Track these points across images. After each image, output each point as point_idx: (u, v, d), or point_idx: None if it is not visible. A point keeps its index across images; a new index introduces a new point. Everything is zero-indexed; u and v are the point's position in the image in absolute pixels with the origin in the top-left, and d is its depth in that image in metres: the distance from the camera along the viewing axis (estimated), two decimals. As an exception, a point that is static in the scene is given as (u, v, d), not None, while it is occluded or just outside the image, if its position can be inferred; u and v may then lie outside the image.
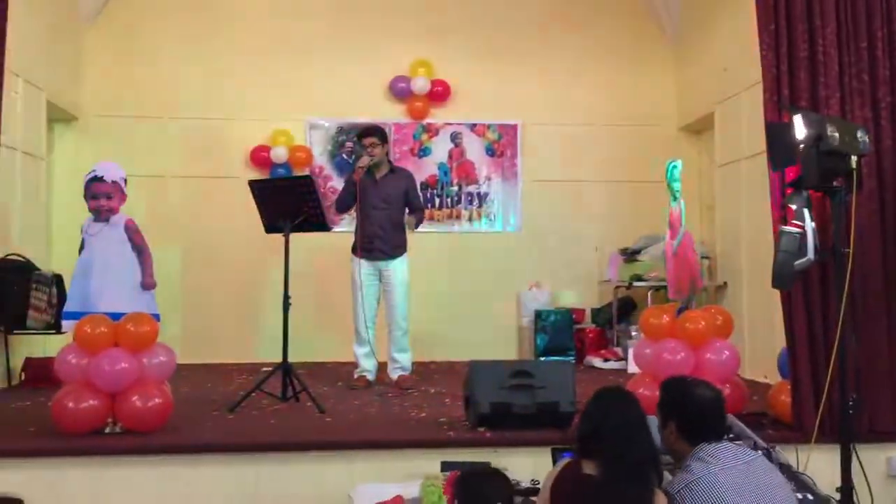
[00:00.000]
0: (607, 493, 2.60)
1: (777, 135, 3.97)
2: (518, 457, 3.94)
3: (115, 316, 4.41)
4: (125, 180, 4.98)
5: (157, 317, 4.60)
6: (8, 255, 5.87)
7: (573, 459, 2.78)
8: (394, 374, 6.04)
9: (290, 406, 5.11)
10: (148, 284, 4.90)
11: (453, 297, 7.91)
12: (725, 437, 3.01)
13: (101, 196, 4.80)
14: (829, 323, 4.12)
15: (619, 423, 2.71)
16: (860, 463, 3.81)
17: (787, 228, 3.84)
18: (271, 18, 7.91)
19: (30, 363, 6.11)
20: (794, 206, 3.87)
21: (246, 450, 4.07)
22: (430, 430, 4.42)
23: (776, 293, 4.28)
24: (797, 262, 3.79)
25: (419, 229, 6.25)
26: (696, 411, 2.95)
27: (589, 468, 2.68)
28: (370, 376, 6.04)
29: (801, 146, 3.73)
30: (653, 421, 3.04)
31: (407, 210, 6.06)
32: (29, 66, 6.31)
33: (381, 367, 6.14)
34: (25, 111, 6.35)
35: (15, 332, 5.97)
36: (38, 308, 5.91)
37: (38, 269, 6.10)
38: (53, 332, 5.99)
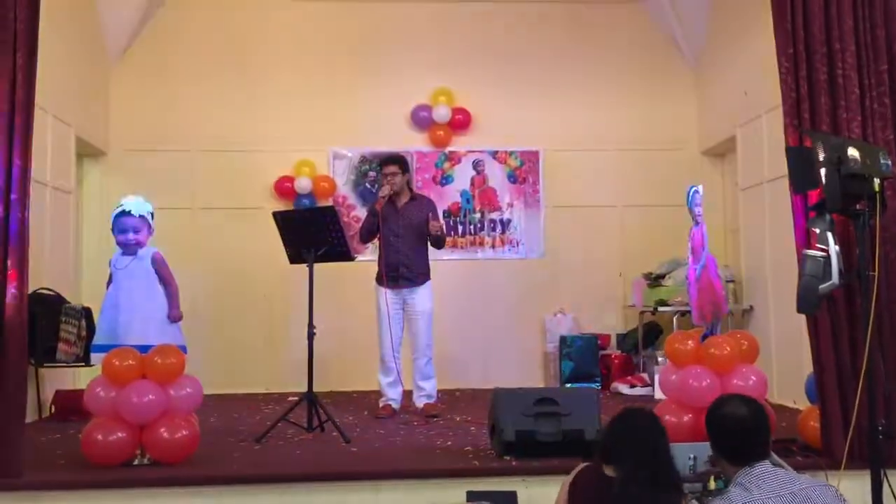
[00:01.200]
0: (630, 495, 2.59)
1: (798, 159, 3.95)
2: (544, 486, 3.92)
3: (143, 348, 4.47)
4: (152, 214, 5.07)
5: (183, 348, 4.66)
6: (38, 290, 5.96)
7: (592, 462, 2.78)
8: (419, 402, 6.04)
9: (315, 436, 5.13)
10: (174, 316, 4.98)
11: (477, 324, 7.91)
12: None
13: (128, 230, 4.89)
14: (856, 347, 4.07)
15: (644, 436, 2.73)
16: (892, 489, 3.75)
17: (811, 252, 3.82)
18: (293, 51, 8.02)
19: (60, 396, 6.17)
20: (817, 230, 3.85)
21: (272, 480, 4.09)
22: (456, 459, 4.42)
23: (803, 317, 4.25)
24: (822, 286, 3.77)
25: (442, 255, 6.30)
26: (725, 430, 2.82)
27: (609, 471, 2.69)
28: (395, 405, 6.05)
29: (823, 170, 3.71)
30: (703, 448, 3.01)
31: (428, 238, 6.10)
32: (58, 102, 6.44)
33: (407, 395, 6.15)
34: (55, 147, 6.48)
35: (45, 364, 6.03)
36: (68, 341, 5.99)
37: (68, 303, 6.19)
38: (83, 364, 6.07)
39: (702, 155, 8.18)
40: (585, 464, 2.83)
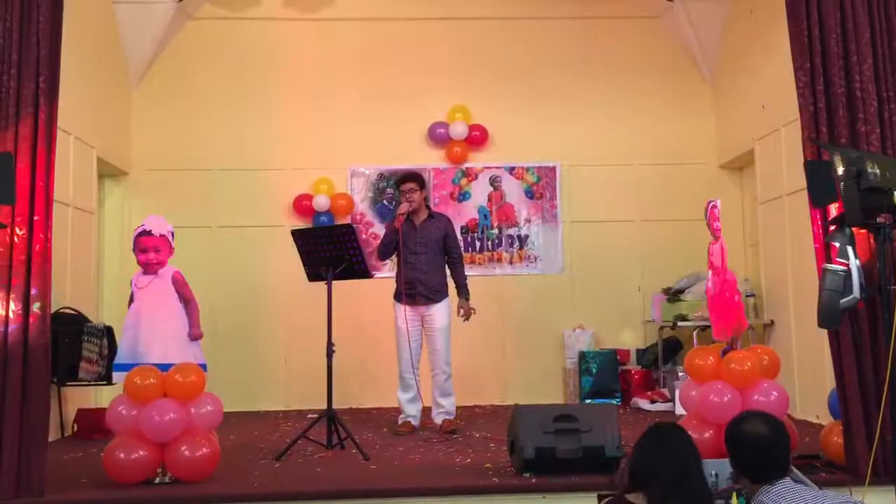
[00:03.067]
0: None
1: (817, 173, 3.94)
2: (564, 503, 3.90)
3: (164, 367, 4.50)
4: (172, 234, 5.10)
5: (203, 366, 4.68)
6: (60, 309, 6.02)
7: (617, 494, 2.71)
8: (438, 419, 6.04)
9: (335, 454, 5.14)
10: (195, 335, 4.99)
11: (496, 341, 7.91)
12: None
13: (149, 250, 4.92)
14: (879, 361, 4.03)
15: (676, 458, 2.65)
16: (917, 505, 3.70)
17: (831, 266, 3.80)
18: (311, 70, 8.08)
19: (82, 414, 6.23)
20: (837, 244, 3.83)
21: (292, 498, 4.10)
22: (475, 476, 4.40)
23: (825, 331, 4.21)
24: (843, 301, 3.74)
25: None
26: (745, 448, 2.82)
27: (637, 500, 2.62)
28: (414, 422, 6.05)
29: (842, 184, 3.69)
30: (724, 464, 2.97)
31: (447, 260, 6.12)
32: (80, 124, 6.52)
33: (426, 412, 6.14)
34: (76, 168, 6.55)
35: (67, 383, 6.09)
36: (90, 360, 6.04)
37: (90, 322, 6.25)
38: (104, 383, 6.12)
39: (720, 169, 8.15)
40: (609, 499, 2.75)
